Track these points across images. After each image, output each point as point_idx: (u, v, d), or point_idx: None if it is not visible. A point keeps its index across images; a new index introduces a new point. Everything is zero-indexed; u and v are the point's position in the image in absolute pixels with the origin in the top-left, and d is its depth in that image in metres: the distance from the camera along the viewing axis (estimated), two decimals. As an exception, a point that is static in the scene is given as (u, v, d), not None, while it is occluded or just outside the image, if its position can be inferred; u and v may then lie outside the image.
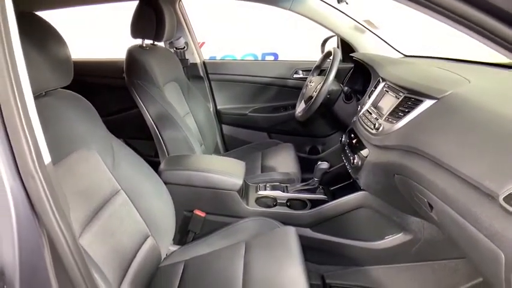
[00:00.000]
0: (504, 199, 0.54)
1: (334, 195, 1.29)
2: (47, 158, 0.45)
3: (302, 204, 1.30)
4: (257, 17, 2.94)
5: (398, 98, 1.01)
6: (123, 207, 0.89)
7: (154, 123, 1.40)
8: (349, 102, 1.53)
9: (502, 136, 0.63)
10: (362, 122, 1.18)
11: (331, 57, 1.42)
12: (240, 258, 0.96)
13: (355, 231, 1.22)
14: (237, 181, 1.20)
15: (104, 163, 0.86)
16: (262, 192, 1.33)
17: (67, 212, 0.46)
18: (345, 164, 1.30)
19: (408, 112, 0.92)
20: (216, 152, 2.01)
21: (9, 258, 0.43)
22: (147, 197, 0.97)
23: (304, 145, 2.06)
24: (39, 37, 0.71)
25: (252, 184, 1.39)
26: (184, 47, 1.97)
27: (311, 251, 1.18)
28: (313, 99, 1.42)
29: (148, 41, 1.48)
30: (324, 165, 1.28)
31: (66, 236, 0.45)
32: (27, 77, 0.45)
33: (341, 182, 1.36)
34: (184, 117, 1.55)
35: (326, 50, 1.72)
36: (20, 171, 0.42)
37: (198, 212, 1.23)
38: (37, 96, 0.74)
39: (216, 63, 2.09)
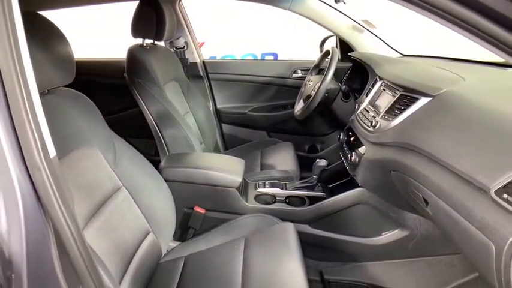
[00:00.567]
0: (495, 192, 0.56)
1: (332, 193, 1.31)
2: (52, 152, 0.47)
3: (301, 201, 1.31)
4: (256, 17, 2.95)
5: (395, 96, 1.03)
6: (124, 204, 0.90)
7: (154, 121, 1.42)
8: (347, 100, 1.55)
9: (495, 133, 0.65)
10: (359, 120, 1.19)
11: (329, 57, 1.44)
12: (240, 254, 0.97)
13: (353, 228, 1.23)
14: (237, 178, 1.22)
15: (105, 160, 0.87)
16: (261, 190, 1.34)
17: (71, 204, 0.48)
18: (343, 162, 1.32)
19: (404, 110, 0.93)
20: (216, 150, 2.03)
21: (16, 248, 0.45)
22: (148, 194, 0.99)
23: (303, 144, 2.07)
24: (42, 36, 0.72)
25: (251, 182, 1.41)
26: (184, 46, 1.98)
27: (310, 247, 1.20)
28: (311, 98, 1.43)
29: (148, 41, 1.50)
30: (322, 162, 1.30)
31: (71, 227, 0.46)
32: (33, 74, 0.47)
33: (339, 179, 1.38)
34: (184, 116, 1.57)
35: (324, 49, 1.73)
36: (27, 164, 0.44)
37: (198, 209, 1.25)
38: (40, 94, 0.75)
39: (216, 63, 2.11)
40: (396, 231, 1.18)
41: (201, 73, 2.04)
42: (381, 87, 1.17)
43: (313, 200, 1.29)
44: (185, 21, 1.97)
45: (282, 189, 1.36)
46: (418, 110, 0.89)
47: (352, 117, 1.31)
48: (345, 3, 1.58)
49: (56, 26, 0.77)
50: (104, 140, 0.91)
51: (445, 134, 0.75)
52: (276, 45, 3.09)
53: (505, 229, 0.54)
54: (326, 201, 1.23)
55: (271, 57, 3.15)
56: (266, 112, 2.07)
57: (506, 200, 0.54)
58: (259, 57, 3.14)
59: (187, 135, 1.43)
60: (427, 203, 0.80)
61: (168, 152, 1.45)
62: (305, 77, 1.73)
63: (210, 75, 2.06)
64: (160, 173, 1.11)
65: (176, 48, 1.97)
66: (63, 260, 0.48)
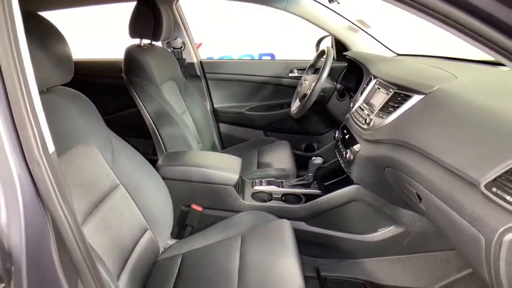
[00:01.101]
0: (485, 186, 0.57)
1: (328, 190, 1.32)
2: (51, 147, 0.48)
3: (297, 198, 1.33)
4: (253, 17, 2.97)
5: (389, 94, 1.05)
6: (122, 201, 0.91)
7: (152, 120, 1.43)
8: (342, 99, 1.56)
9: (485, 128, 0.66)
10: (354, 118, 1.21)
11: (324, 56, 1.46)
12: (236, 251, 0.98)
13: (348, 225, 1.25)
14: (233, 176, 1.23)
15: (103, 158, 0.88)
16: (258, 188, 1.36)
17: (70, 198, 0.49)
18: (338, 160, 1.34)
19: (398, 107, 0.95)
20: (213, 149, 2.04)
21: (16, 241, 0.46)
22: (145, 192, 0.99)
23: (300, 143, 2.09)
24: (41, 36, 0.73)
25: (248, 180, 1.42)
26: (182, 46, 1.99)
27: (306, 245, 1.21)
28: (307, 97, 1.45)
29: (146, 41, 1.51)
30: (317, 160, 1.31)
31: (69, 220, 0.47)
32: (33, 72, 0.48)
33: (335, 177, 1.39)
34: (181, 115, 1.58)
35: (320, 49, 1.75)
36: (27, 159, 0.45)
37: (195, 207, 1.26)
38: (39, 93, 0.76)
39: (213, 63, 2.12)
40: (391, 227, 1.19)
41: (198, 73, 2.05)
42: (375, 86, 1.19)
43: (309, 197, 1.31)
44: (182, 22, 1.98)
45: (279, 187, 1.37)
46: (411, 107, 0.91)
47: (347, 115, 1.33)
48: (338, 3, 1.59)
49: (55, 26, 0.78)
50: (102, 138, 0.91)
51: (436, 130, 0.77)
52: (273, 45, 3.10)
53: (494, 221, 0.55)
54: (322, 199, 1.25)
55: (268, 58, 3.16)
56: (263, 111, 2.08)
57: (495, 194, 0.56)
58: (256, 58, 3.16)
59: (184, 134, 1.44)
60: (420, 198, 0.82)
61: (166, 151, 1.46)
62: (301, 77, 1.75)
63: (207, 75, 2.07)
64: (157, 171, 1.12)
65: (173, 48, 1.98)
66: (62, 252, 0.49)
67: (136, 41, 1.49)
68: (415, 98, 0.90)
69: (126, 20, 1.46)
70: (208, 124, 1.83)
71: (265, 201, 1.31)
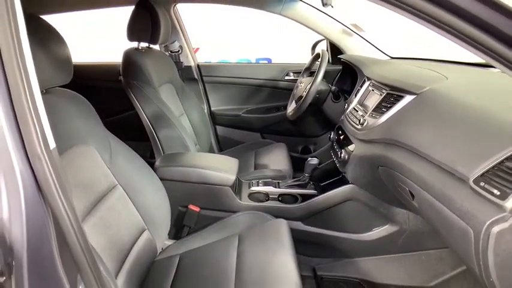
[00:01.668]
0: (474, 181, 0.59)
1: (324, 190, 1.34)
2: (52, 143, 0.49)
3: (293, 198, 1.34)
4: (250, 22, 3.00)
5: (382, 95, 1.07)
6: (120, 202, 0.92)
7: (150, 122, 1.44)
8: (337, 101, 1.59)
9: (474, 126, 0.69)
10: (349, 119, 1.23)
11: (319, 59, 1.48)
12: (234, 251, 0.99)
13: (344, 224, 1.26)
14: (230, 176, 1.24)
15: (101, 159, 0.89)
16: (254, 188, 1.37)
17: (70, 193, 0.50)
18: (334, 160, 1.35)
19: (390, 107, 0.97)
20: (211, 152, 2.04)
21: (17, 235, 0.47)
22: (143, 193, 1.00)
23: (297, 145, 2.11)
24: (42, 38, 0.75)
25: (245, 180, 1.43)
26: (179, 50, 2.01)
27: (302, 244, 1.22)
28: (303, 99, 1.47)
29: (144, 44, 1.53)
30: (313, 161, 1.33)
31: (69, 215, 0.48)
32: (35, 72, 0.49)
33: (331, 177, 1.41)
34: (179, 118, 1.59)
35: (315, 52, 1.78)
36: (28, 154, 0.46)
37: (192, 207, 1.27)
38: None
39: (210, 66, 2.14)
40: (386, 226, 1.21)
41: (196, 76, 2.07)
42: (369, 87, 1.21)
43: (306, 197, 1.32)
44: (180, 26, 2.00)
45: (275, 187, 1.38)
46: (403, 107, 0.93)
47: (342, 117, 1.35)
48: (332, 6, 1.62)
49: (55, 29, 0.79)
50: (100, 139, 0.93)
51: (427, 128, 0.80)
52: (270, 50, 3.14)
53: (482, 214, 0.57)
54: (317, 198, 1.26)
55: (265, 62, 3.20)
56: (260, 114, 2.10)
57: (483, 188, 0.58)
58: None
59: (182, 136, 1.45)
60: (413, 196, 0.84)
61: (163, 153, 1.47)
62: (297, 79, 1.77)
63: (204, 78, 2.09)
64: (155, 172, 1.13)
65: (171, 51, 2.00)
66: (62, 247, 0.50)
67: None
68: (407, 98, 0.93)
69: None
70: (206, 127, 1.85)
71: (262, 201, 1.32)
